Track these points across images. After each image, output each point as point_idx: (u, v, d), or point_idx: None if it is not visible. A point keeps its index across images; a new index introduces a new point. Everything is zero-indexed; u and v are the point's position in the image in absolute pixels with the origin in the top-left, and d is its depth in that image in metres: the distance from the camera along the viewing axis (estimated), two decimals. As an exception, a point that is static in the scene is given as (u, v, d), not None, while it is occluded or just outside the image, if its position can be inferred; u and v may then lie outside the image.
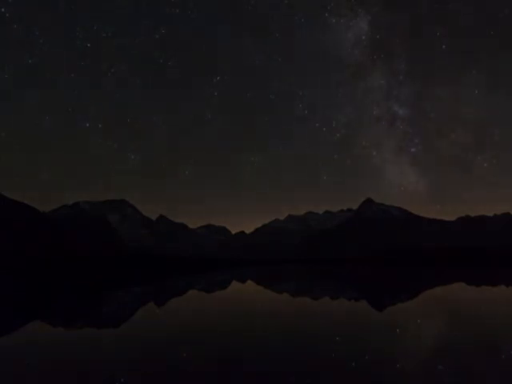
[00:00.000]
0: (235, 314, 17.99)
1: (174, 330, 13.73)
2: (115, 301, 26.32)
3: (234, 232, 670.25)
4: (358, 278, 52.00)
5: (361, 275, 59.21)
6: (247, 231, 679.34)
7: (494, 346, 9.68)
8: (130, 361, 8.99)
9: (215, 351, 9.60)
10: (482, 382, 6.84)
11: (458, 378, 7.13)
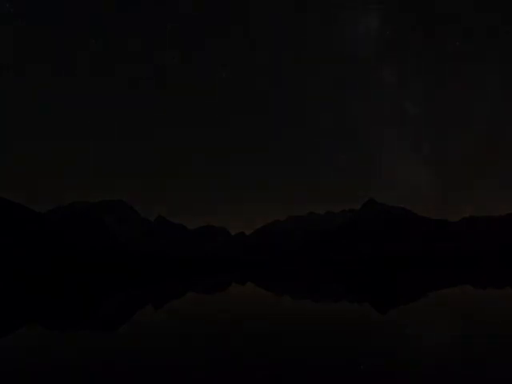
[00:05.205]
0: (234, 316, 17.48)
1: (172, 333, 13.28)
2: (114, 302, 25.80)
3: (233, 233, 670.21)
4: (360, 279, 51.65)
5: (363, 277, 58.76)
6: (247, 232, 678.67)
7: (501, 350, 9.27)
8: (128, 363, 8.65)
9: (214, 354, 9.25)
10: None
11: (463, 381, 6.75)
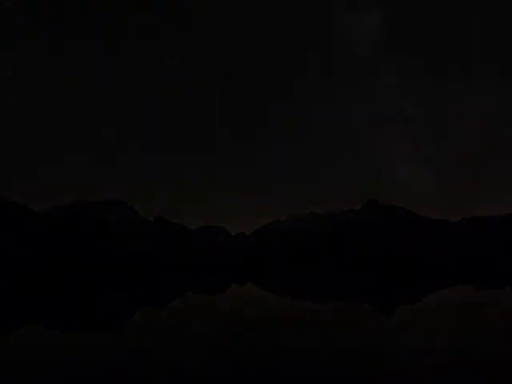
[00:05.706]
0: (234, 316, 17.53)
1: (172, 333, 13.30)
2: (114, 302, 25.91)
3: (233, 233, 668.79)
4: (360, 279, 51.72)
5: (363, 277, 58.91)
6: (247, 232, 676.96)
7: (501, 351, 9.26)
8: (128, 363, 8.65)
9: (214, 355, 9.24)
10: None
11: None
